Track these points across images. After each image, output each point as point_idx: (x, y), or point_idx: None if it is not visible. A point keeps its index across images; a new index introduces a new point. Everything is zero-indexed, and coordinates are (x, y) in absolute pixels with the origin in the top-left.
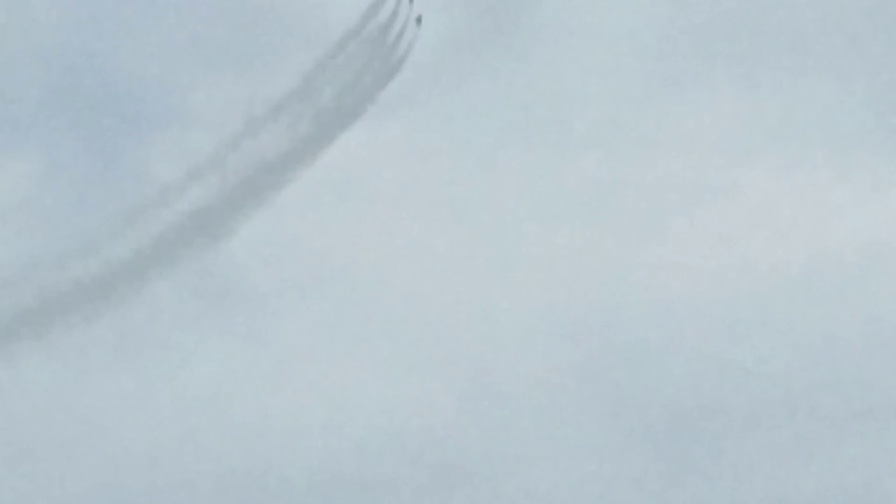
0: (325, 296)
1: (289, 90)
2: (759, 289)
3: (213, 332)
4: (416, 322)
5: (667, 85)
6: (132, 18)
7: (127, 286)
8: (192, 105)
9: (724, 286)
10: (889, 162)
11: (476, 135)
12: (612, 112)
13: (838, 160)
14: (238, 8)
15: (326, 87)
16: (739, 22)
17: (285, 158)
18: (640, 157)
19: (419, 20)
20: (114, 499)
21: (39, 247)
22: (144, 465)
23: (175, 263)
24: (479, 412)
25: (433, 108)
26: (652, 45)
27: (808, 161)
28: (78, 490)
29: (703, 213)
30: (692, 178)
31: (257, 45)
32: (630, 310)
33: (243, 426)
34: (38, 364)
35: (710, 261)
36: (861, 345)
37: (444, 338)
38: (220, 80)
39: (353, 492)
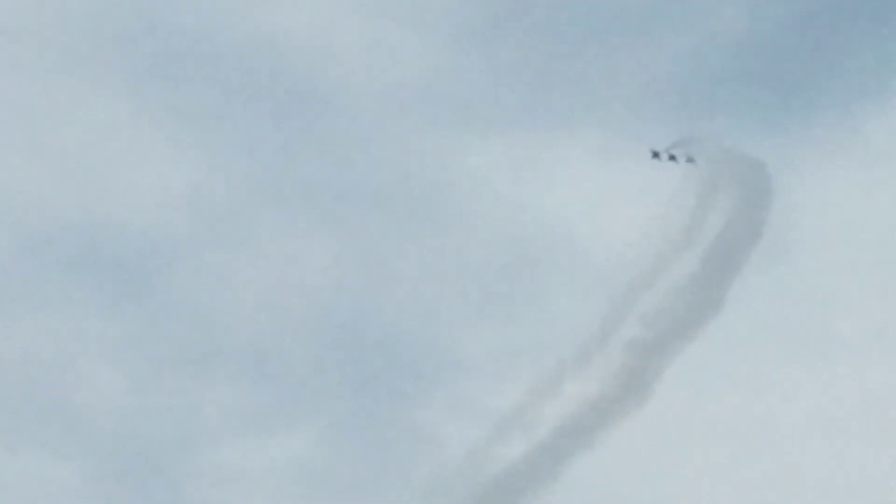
0: None
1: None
2: None
3: None
4: None
5: None
6: (394, 273)
7: None
8: (464, 356)
9: None
10: None
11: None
12: (880, 314)
13: None
14: (497, 254)
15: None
16: None
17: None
18: None
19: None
20: None
21: None
22: None
23: None
24: None
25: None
26: None
27: None
28: None
29: None
30: None
31: (521, 291)
32: None
33: None
34: None
35: None
36: None
37: None
38: (488, 327)
39: None
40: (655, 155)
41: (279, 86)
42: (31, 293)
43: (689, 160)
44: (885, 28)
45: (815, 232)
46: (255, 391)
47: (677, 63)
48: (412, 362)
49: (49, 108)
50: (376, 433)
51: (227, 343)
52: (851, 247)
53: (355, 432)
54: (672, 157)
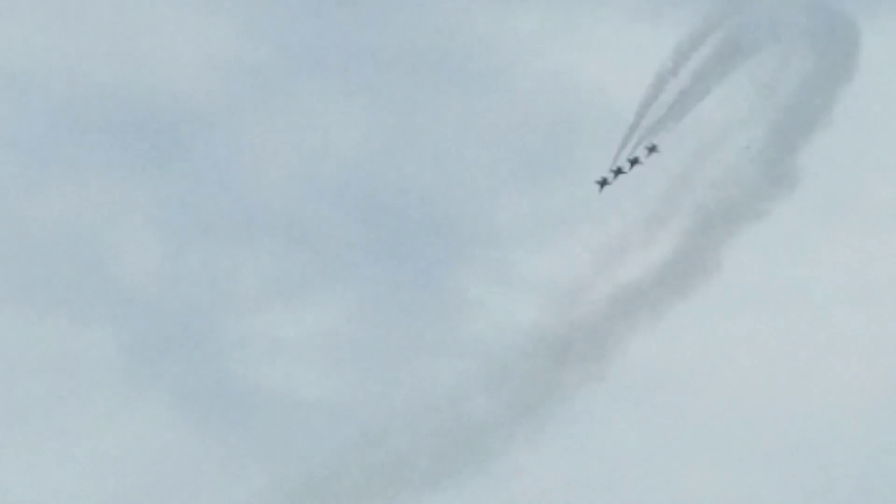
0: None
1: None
2: None
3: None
4: (738, 411)
5: None
6: (432, 140)
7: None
8: (502, 223)
9: None
10: None
11: None
12: None
13: None
14: (535, 120)
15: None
16: None
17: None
18: None
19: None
20: None
21: (367, 380)
22: None
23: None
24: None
25: None
26: None
27: None
28: None
29: None
30: None
31: (559, 157)
32: None
33: None
34: None
35: None
36: None
37: (759, 425)
38: (525, 194)
39: None
40: (604, 182)
41: None
42: (67, 160)
43: (651, 150)
44: None
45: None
46: (290, 259)
47: None
48: (449, 229)
49: None
50: (412, 301)
51: (263, 211)
52: None
53: (391, 300)
54: (634, 162)
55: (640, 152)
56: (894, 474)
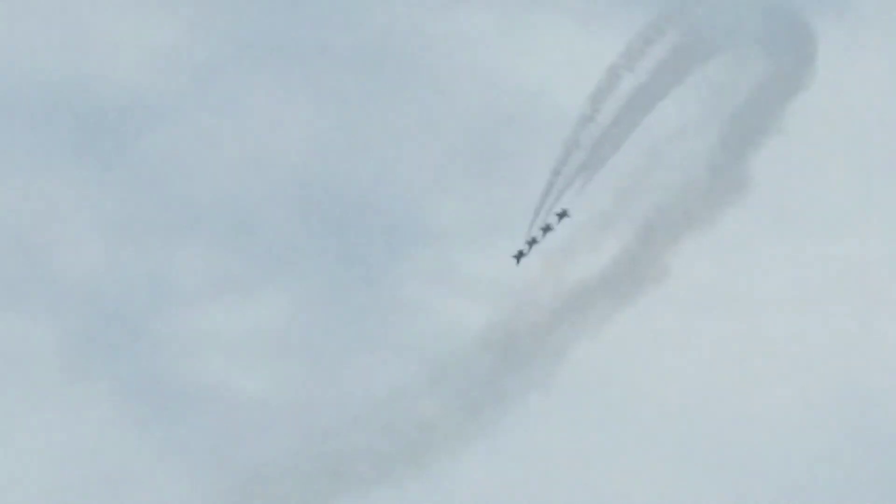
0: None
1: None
2: None
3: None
4: (664, 412)
5: None
6: (375, 137)
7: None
8: (444, 222)
9: None
10: None
11: None
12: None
13: None
14: (479, 120)
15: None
16: None
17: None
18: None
19: None
20: None
21: (305, 375)
22: None
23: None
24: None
25: None
26: None
27: None
28: None
29: None
30: None
31: (502, 158)
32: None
33: None
34: None
35: None
36: None
37: (703, 429)
38: (468, 193)
39: None
40: (521, 254)
41: None
42: (6, 152)
43: (562, 215)
44: None
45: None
46: (231, 255)
47: None
48: (391, 228)
49: None
50: (353, 299)
51: (205, 206)
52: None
53: (332, 298)
54: (547, 230)
55: (552, 219)
56: (831, 475)
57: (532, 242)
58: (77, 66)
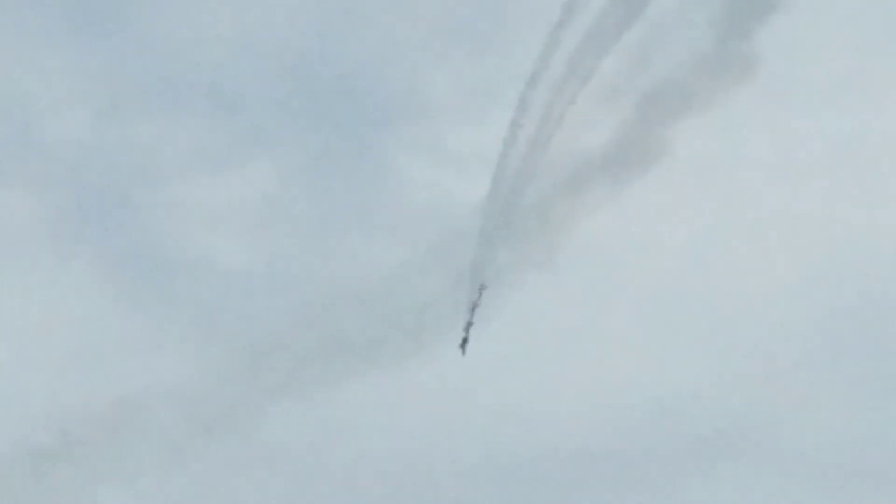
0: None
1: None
2: None
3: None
4: (665, 288)
5: None
6: (360, 7)
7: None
8: (430, 93)
9: None
10: None
11: None
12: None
13: None
14: None
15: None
16: None
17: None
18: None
19: None
20: None
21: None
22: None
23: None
24: (734, 374)
25: None
26: None
27: None
28: None
29: None
30: None
31: (490, 26)
32: (879, 261)
33: (490, 409)
34: None
35: None
36: None
37: (692, 301)
38: (454, 63)
39: (610, 467)
40: (465, 341)
41: None
42: None
43: (482, 288)
44: None
45: None
46: (218, 127)
47: None
48: (378, 100)
49: None
50: (340, 172)
51: (191, 78)
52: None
53: (319, 170)
54: (475, 307)
55: (475, 295)
56: (823, 342)
57: (469, 326)
58: None
